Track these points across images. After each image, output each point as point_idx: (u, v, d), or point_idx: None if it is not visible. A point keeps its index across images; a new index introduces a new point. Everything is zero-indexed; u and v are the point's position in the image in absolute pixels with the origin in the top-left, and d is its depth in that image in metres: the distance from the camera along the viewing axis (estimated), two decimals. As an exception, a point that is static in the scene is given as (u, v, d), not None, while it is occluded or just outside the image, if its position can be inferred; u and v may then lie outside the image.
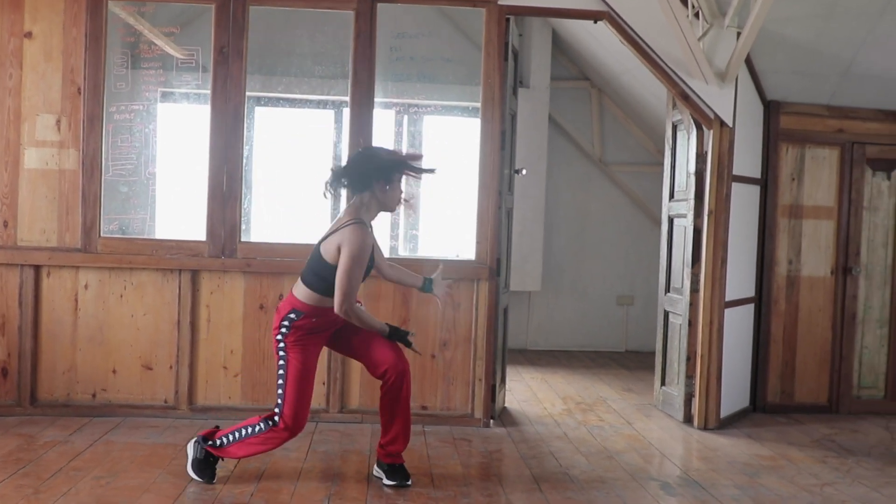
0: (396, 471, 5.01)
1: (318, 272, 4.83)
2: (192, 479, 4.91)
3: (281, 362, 4.91)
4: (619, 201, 10.18)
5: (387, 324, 5.02)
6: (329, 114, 7.56)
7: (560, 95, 9.97)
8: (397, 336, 5.00)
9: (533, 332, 10.10)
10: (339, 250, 4.74)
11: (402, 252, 7.35)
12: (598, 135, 10.04)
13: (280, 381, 4.90)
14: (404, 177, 4.98)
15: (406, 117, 7.58)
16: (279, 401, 4.89)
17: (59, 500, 4.49)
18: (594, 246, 10.16)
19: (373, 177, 4.89)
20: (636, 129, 10.03)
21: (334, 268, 4.76)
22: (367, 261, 4.83)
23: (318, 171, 7.57)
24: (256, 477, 5.03)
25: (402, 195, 5.01)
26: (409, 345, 5.02)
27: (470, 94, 6.68)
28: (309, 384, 4.92)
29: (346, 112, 6.38)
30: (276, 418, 4.90)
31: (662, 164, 9.84)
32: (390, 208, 5.02)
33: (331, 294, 4.81)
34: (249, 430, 4.92)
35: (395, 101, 7.05)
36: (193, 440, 5.00)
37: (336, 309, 4.76)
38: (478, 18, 6.47)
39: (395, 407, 5.02)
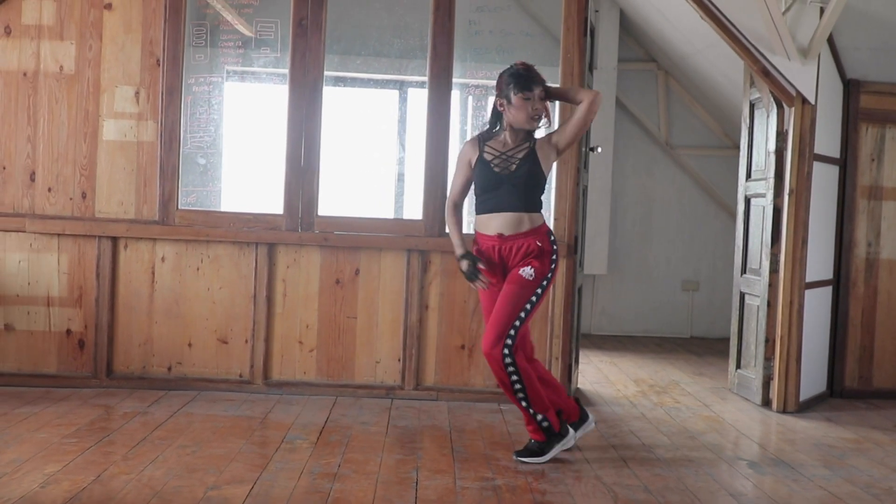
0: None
1: None
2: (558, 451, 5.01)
3: None
4: (685, 185, 10.07)
5: (462, 253, 5.01)
6: (417, 93, 7.52)
7: (626, 77, 9.87)
8: (463, 270, 5.02)
9: (597, 315, 10.01)
10: None
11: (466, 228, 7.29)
12: (665, 117, 9.93)
13: None
14: (522, 94, 4.93)
15: (470, 99, 7.51)
16: None
17: (148, 466, 4.47)
18: (659, 230, 10.06)
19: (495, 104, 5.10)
20: (703, 111, 9.91)
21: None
22: (466, 170, 5.08)
23: (388, 149, 7.59)
24: (341, 449, 4.98)
25: (530, 112, 4.94)
26: (473, 280, 4.98)
27: (547, 75, 6.59)
28: (485, 311, 5.07)
29: (415, 92, 6.34)
30: None
31: (730, 148, 9.77)
32: (519, 124, 4.99)
33: (477, 211, 5.04)
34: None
35: (476, 83, 6.96)
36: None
37: None
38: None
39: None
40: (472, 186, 5.06)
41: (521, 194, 4.93)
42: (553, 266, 4.97)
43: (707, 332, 10.01)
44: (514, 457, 4.97)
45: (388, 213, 7.69)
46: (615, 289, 10.04)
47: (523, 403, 4.93)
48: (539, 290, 4.91)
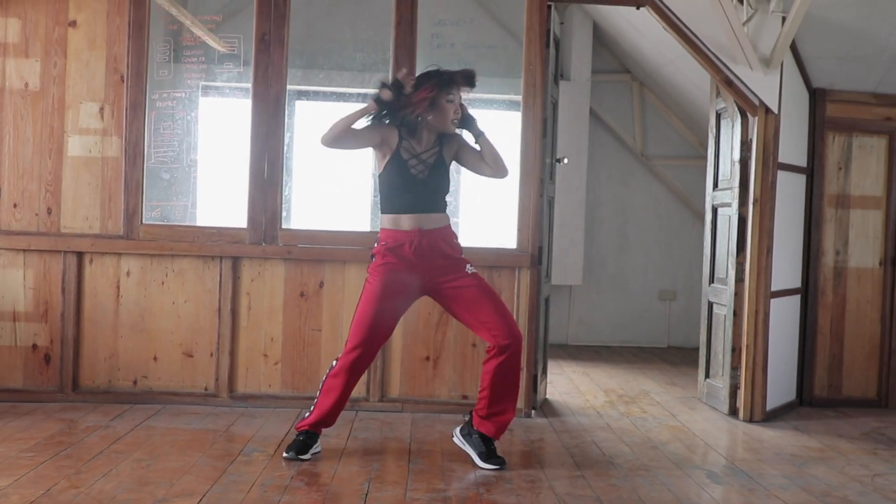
0: (492, 453, 5.09)
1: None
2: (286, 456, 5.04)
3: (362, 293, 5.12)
4: (660, 195, 10.10)
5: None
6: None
7: (601, 88, 9.91)
8: (387, 94, 5.00)
9: (574, 326, 10.03)
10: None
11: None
12: (640, 128, 9.96)
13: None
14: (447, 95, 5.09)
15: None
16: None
17: (100, 480, 4.49)
18: (636, 240, 10.09)
19: None
20: (678, 121, 9.95)
21: (380, 177, 5.09)
22: (378, 131, 5.01)
23: (357, 162, 7.59)
24: (297, 462, 4.99)
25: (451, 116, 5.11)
26: (399, 90, 5.01)
27: (511, 87, 6.64)
28: (372, 317, 5.00)
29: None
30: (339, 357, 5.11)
31: (705, 157, 9.75)
32: (441, 127, 5.11)
33: (387, 210, 5.05)
34: (322, 380, 5.15)
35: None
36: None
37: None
38: (518, 7, 6.42)
39: (503, 383, 5.09)
40: (381, 175, 5.08)
41: (434, 198, 5.07)
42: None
43: (684, 342, 10.02)
44: (493, 467, 5.01)
45: (364, 226, 7.70)
46: (592, 299, 10.05)
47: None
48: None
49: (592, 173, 9.88)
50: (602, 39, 9.82)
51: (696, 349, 9.60)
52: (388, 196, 5.07)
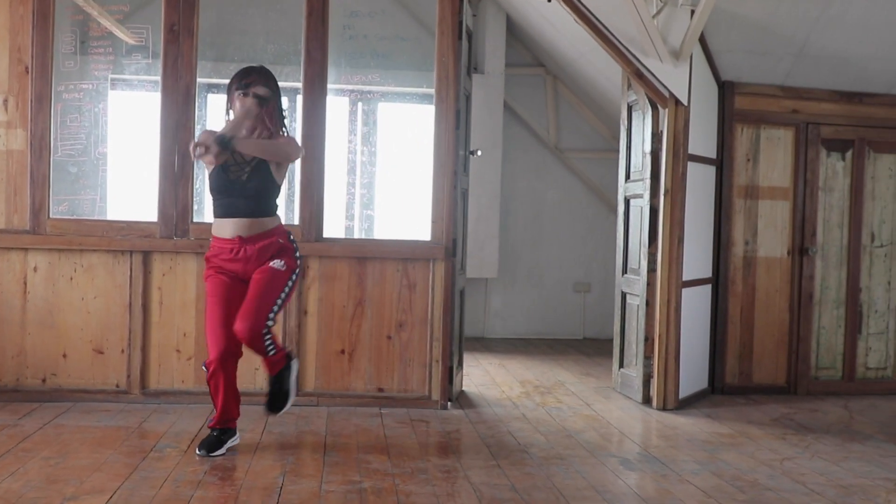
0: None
1: None
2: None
3: None
4: (574, 188, 10.17)
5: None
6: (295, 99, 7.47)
7: (515, 82, 9.94)
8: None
9: (490, 319, 10.06)
10: None
11: (358, 233, 7.27)
12: (554, 121, 10.02)
13: None
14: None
15: (361, 104, 7.53)
16: None
17: (7, 479, 4.38)
18: (551, 233, 10.15)
19: None
20: (591, 115, 10.02)
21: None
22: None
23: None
24: (210, 458, 4.94)
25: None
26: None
27: (425, 80, 6.64)
28: (217, 317, 4.95)
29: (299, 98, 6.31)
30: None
31: (618, 150, 9.85)
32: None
33: (214, 213, 5.02)
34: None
35: (351, 87, 7.00)
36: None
37: None
38: (431, -1, 6.43)
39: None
40: (207, 180, 5.04)
41: (254, 203, 4.96)
42: (298, 262, 5.10)
43: (599, 333, 10.11)
44: (267, 411, 5.14)
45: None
46: (507, 292, 10.09)
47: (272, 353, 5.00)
48: (290, 283, 5.01)
49: (507, 167, 9.91)
50: (516, 33, 9.85)
51: (612, 340, 9.65)
52: (212, 199, 5.04)
